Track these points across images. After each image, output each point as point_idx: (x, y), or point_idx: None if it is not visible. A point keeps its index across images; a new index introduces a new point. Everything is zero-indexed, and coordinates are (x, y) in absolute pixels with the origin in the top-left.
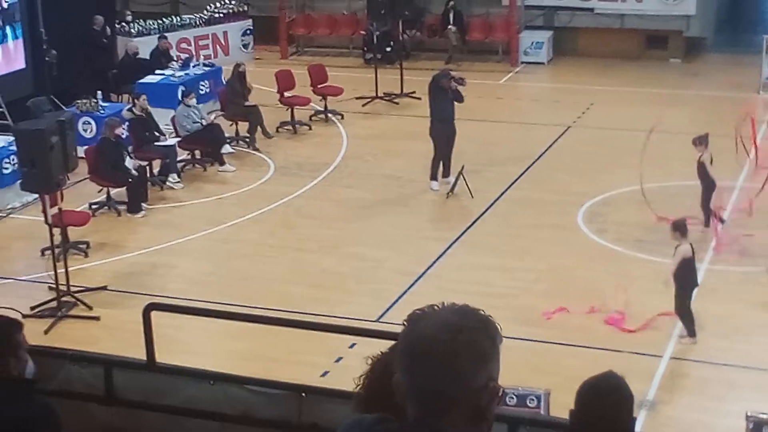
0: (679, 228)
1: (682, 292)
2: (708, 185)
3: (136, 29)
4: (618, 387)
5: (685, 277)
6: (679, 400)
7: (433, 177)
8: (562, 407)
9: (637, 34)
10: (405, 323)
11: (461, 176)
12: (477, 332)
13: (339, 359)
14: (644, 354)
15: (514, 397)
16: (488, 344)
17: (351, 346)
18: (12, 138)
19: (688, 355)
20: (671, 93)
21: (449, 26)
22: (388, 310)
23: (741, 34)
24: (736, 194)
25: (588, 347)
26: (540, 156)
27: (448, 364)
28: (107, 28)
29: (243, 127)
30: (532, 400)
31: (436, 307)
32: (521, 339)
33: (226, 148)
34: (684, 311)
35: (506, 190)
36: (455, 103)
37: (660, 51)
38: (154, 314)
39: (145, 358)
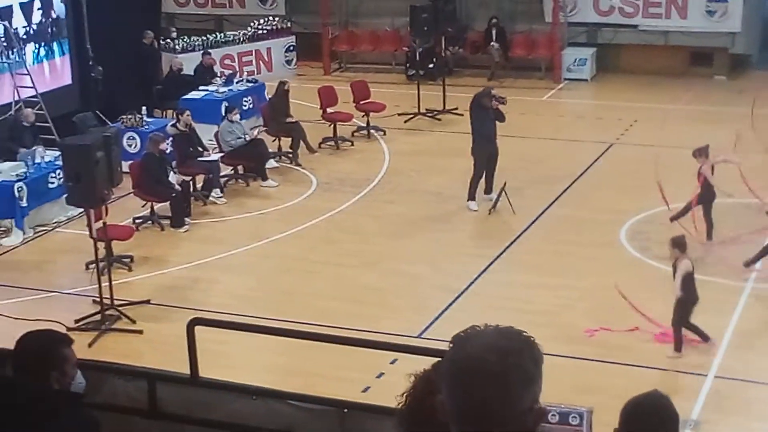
0: (679, 245)
1: (682, 306)
2: (708, 197)
3: (180, 45)
4: (663, 406)
5: (687, 292)
6: (724, 420)
7: (472, 197)
8: (605, 426)
9: (682, 51)
10: (450, 344)
11: (503, 193)
12: (523, 354)
13: (380, 375)
14: (689, 373)
15: (557, 414)
16: (533, 366)
17: (392, 362)
18: (58, 153)
19: (734, 374)
20: (716, 110)
21: (492, 43)
22: (429, 326)
23: None
24: None
25: (632, 365)
26: (583, 173)
27: (497, 386)
28: (155, 42)
29: (285, 143)
30: (575, 418)
31: (478, 328)
32: (564, 357)
33: (271, 163)
34: (686, 325)
35: (548, 207)
36: (497, 122)
37: (705, 68)
38: (196, 328)
39: (188, 372)
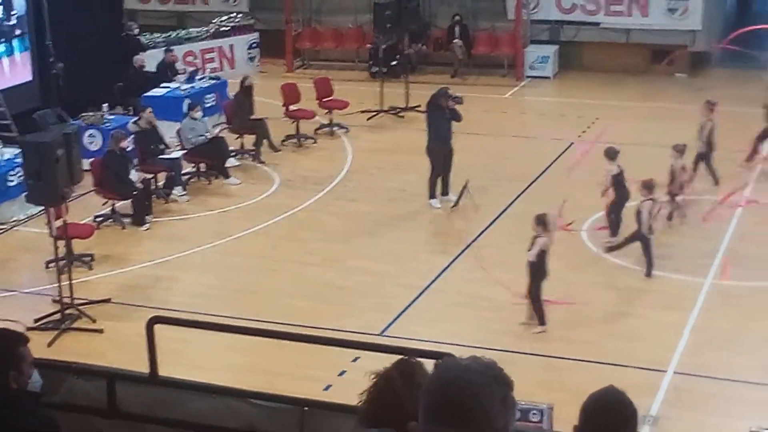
0: (541, 222)
1: (534, 281)
2: (620, 196)
3: (142, 42)
4: (620, 401)
5: (538, 267)
6: (683, 416)
7: (432, 195)
8: (565, 422)
9: (643, 49)
10: (436, 364)
11: (466, 190)
12: (503, 374)
13: (342, 373)
14: (648, 369)
15: (518, 411)
16: (510, 392)
17: (354, 360)
18: (18, 150)
19: (692, 370)
20: (677, 107)
21: (455, 40)
22: (391, 323)
23: (747, 49)
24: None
25: (592, 362)
26: (545, 170)
27: (480, 391)
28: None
29: (248, 140)
30: (536, 414)
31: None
32: (524, 353)
33: (231, 161)
34: (535, 300)
35: (511, 204)
36: (453, 122)
37: (665, 65)
38: (157, 327)
39: (148, 371)
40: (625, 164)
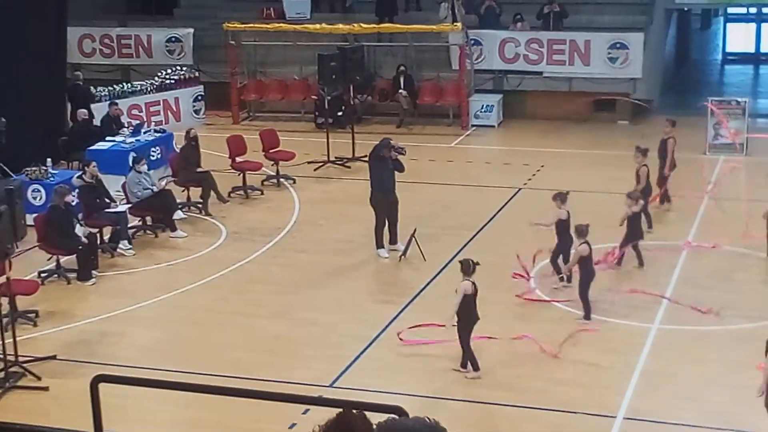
0: (462, 267)
1: (464, 326)
2: (565, 241)
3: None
4: None
5: (467, 312)
6: None
7: (380, 245)
8: None
9: (585, 97)
10: (377, 426)
11: (413, 239)
12: None
13: (292, 425)
14: (599, 415)
15: None
16: None
17: (305, 412)
18: None
19: (642, 415)
20: (620, 154)
21: (400, 90)
22: (341, 374)
23: (686, 97)
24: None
25: (544, 409)
26: (492, 218)
27: None
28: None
29: (195, 192)
30: None
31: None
32: (474, 402)
33: (178, 214)
34: (465, 345)
35: (459, 252)
36: (396, 172)
37: (608, 113)
38: (102, 383)
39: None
40: (571, 211)
